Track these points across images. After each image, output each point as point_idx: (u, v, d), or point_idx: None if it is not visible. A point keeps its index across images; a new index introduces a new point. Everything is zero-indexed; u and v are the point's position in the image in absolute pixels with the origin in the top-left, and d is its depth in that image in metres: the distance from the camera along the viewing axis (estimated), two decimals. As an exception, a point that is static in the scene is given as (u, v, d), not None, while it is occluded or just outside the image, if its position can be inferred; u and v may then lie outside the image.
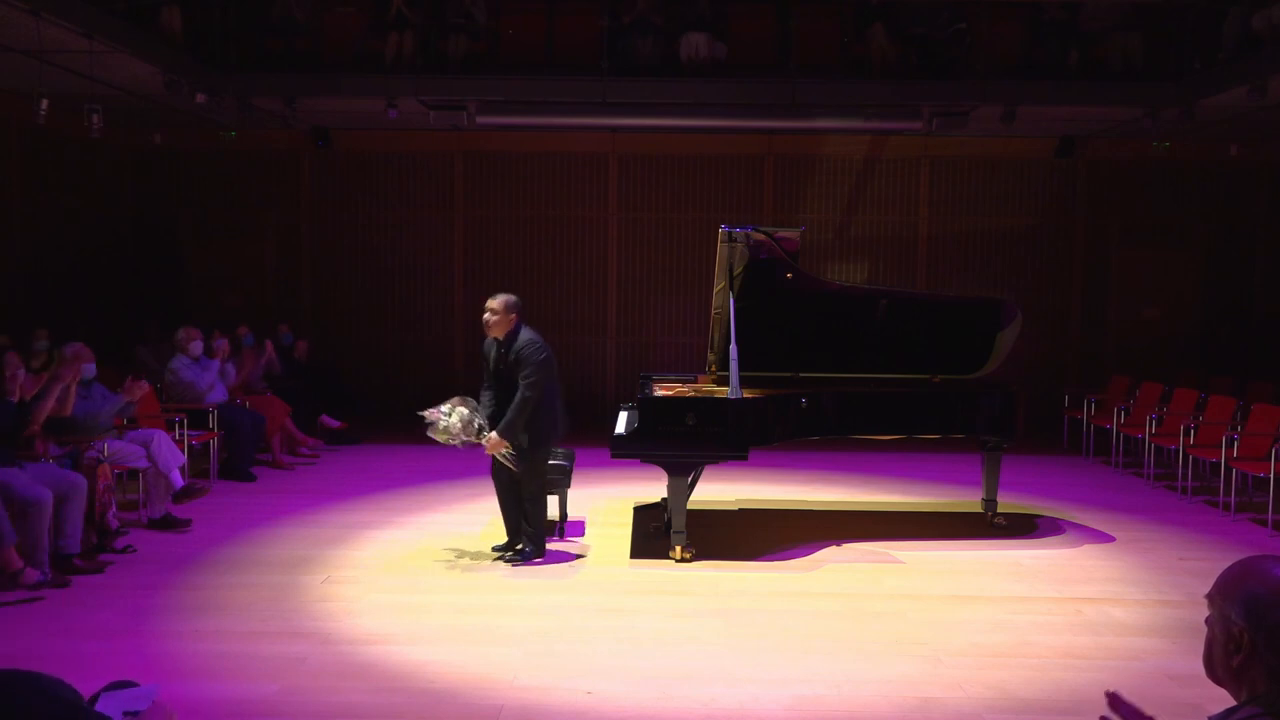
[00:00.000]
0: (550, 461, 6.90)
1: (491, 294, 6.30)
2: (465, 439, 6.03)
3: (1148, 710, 2.03)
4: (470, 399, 6.17)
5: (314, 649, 4.91)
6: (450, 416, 6.02)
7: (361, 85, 10.14)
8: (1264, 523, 7.48)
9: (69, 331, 8.30)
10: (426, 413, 6.08)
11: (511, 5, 10.84)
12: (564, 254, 12.45)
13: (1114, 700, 2.05)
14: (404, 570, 6.22)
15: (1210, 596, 1.82)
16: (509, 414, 6.07)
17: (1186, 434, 8.45)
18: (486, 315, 6.23)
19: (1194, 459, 8.43)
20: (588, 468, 8.16)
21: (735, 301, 6.59)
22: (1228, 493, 7.88)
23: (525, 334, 6.21)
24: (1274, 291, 12.39)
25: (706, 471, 7.03)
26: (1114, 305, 12.58)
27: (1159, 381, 9.76)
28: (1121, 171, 12.37)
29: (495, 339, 6.26)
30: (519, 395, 6.06)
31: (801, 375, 7.42)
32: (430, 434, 6.08)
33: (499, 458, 6.14)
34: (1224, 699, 1.81)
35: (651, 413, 6.41)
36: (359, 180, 12.39)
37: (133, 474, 7.25)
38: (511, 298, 6.24)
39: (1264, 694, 1.71)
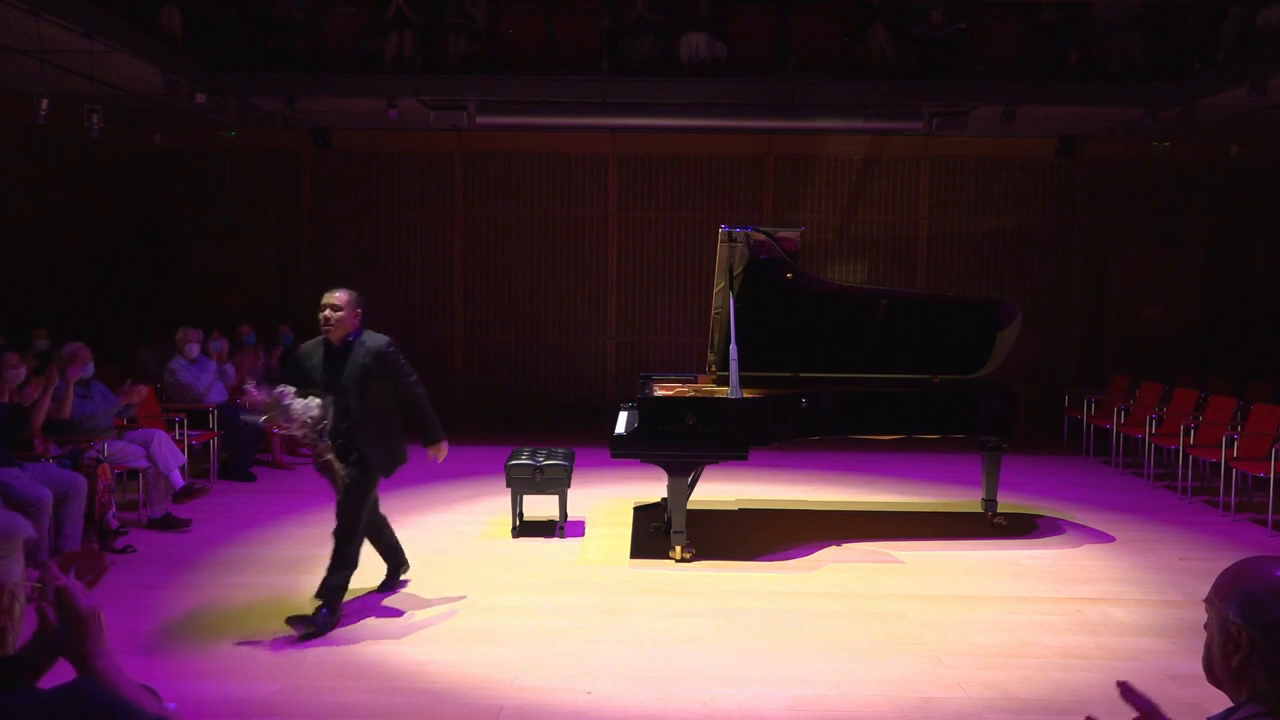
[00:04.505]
0: (550, 461, 6.92)
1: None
2: (305, 431, 5.09)
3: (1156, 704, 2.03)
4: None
5: (314, 649, 4.91)
6: (307, 401, 5.10)
7: (361, 85, 10.13)
8: (1264, 523, 7.48)
9: (69, 331, 8.29)
10: (277, 394, 5.09)
11: (511, 5, 10.84)
12: (564, 254, 12.44)
13: (1126, 690, 2.04)
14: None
15: (1208, 599, 1.82)
16: (425, 417, 5.38)
17: (1186, 434, 8.45)
18: (327, 313, 5.22)
19: (1194, 459, 8.43)
20: (588, 468, 8.17)
21: (735, 301, 6.59)
22: (1228, 493, 7.88)
23: (376, 335, 5.35)
24: (1274, 291, 12.39)
25: (706, 471, 7.03)
26: (1114, 305, 12.58)
27: (1159, 381, 9.76)
28: (1121, 171, 12.37)
29: (326, 340, 5.30)
30: (413, 397, 5.37)
31: (802, 375, 7.42)
32: (268, 414, 5.13)
33: (330, 462, 5.16)
34: (1225, 699, 1.81)
35: (651, 413, 6.41)
36: (359, 180, 12.39)
37: (133, 474, 7.26)
38: (354, 292, 5.35)
39: (1264, 692, 1.71)
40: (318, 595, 5.15)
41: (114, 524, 6.51)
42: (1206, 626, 1.83)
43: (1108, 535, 7.23)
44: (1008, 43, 10.64)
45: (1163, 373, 10.62)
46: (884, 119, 10.68)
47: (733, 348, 6.38)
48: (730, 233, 6.60)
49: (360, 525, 5.31)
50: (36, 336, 8.74)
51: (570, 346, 12.49)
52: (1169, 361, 11.95)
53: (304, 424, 5.05)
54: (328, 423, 5.10)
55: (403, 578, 5.91)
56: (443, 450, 5.47)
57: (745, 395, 6.40)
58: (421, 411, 5.39)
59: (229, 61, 10.01)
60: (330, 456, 5.14)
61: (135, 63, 8.58)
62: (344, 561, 5.22)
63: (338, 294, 5.27)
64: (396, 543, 5.87)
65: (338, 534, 5.24)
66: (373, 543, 5.67)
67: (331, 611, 5.15)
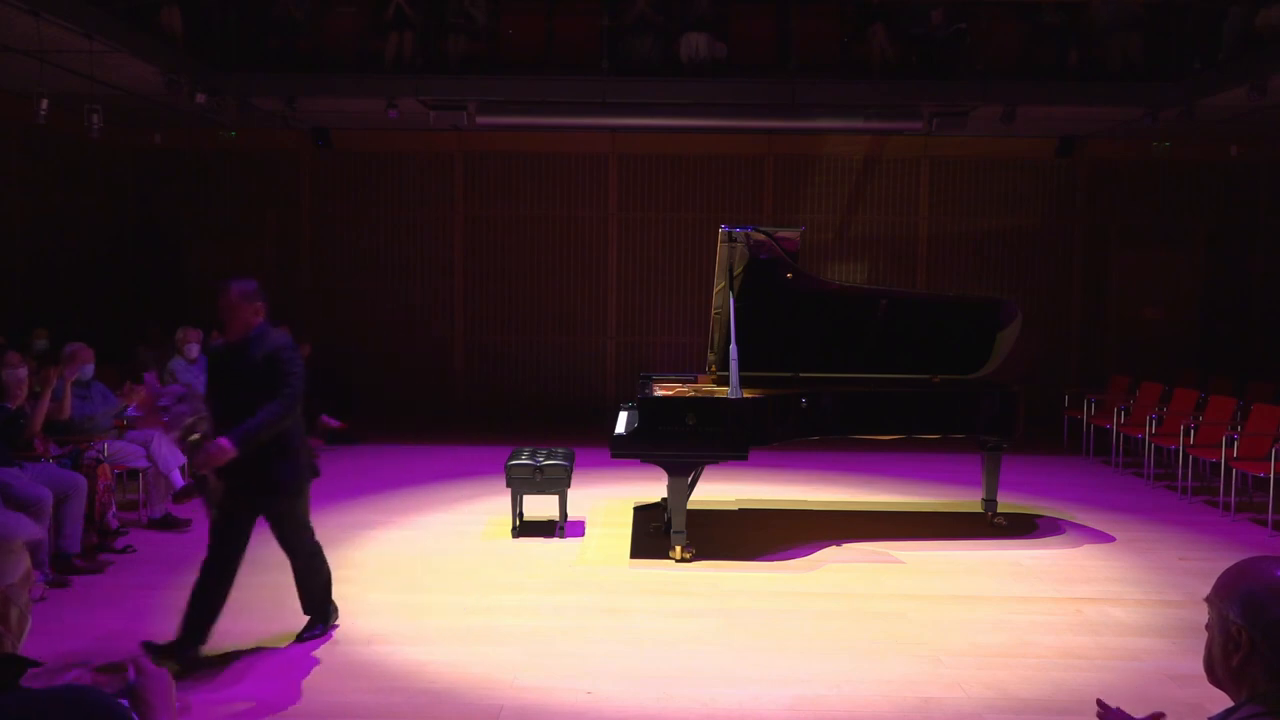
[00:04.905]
0: (550, 461, 6.91)
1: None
2: (182, 437, 4.79)
3: (1138, 714, 2.04)
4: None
5: (314, 649, 4.91)
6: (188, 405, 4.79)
7: (361, 85, 10.13)
8: (1264, 523, 7.48)
9: (69, 331, 8.29)
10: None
11: (511, 5, 10.84)
12: (564, 254, 12.44)
13: (1103, 708, 2.06)
14: (404, 570, 6.22)
15: (1209, 599, 1.83)
16: (257, 424, 4.50)
17: (1186, 434, 8.45)
18: (223, 314, 4.71)
19: (1194, 459, 8.43)
20: (588, 468, 8.16)
21: (735, 301, 6.59)
22: (1228, 493, 7.88)
23: (278, 335, 4.77)
24: (1274, 291, 12.39)
25: (706, 471, 7.03)
26: (1114, 305, 12.58)
27: (1159, 381, 9.76)
28: (1121, 171, 12.37)
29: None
30: (275, 402, 4.55)
31: (802, 375, 7.41)
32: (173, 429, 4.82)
33: (205, 478, 4.64)
34: (1225, 699, 1.81)
35: (651, 413, 6.41)
36: (359, 180, 12.39)
37: (133, 474, 7.26)
38: (250, 284, 4.71)
39: (1264, 692, 1.71)
40: (308, 616, 5.09)
41: (114, 524, 6.51)
42: (1207, 626, 1.83)
43: (1108, 535, 7.23)
44: (1008, 43, 10.64)
45: (1163, 373, 10.61)
46: (884, 119, 10.68)
47: (733, 348, 6.38)
48: (730, 233, 6.60)
49: (311, 535, 4.98)
50: (36, 336, 8.75)
51: (570, 346, 12.49)
52: (1169, 361, 11.95)
53: (177, 428, 4.61)
54: (201, 434, 4.63)
55: (201, 652, 4.77)
56: (220, 455, 4.47)
57: (745, 395, 6.40)
58: (262, 419, 4.51)
59: (229, 61, 10.01)
60: (205, 472, 4.57)
61: (135, 63, 8.59)
62: (313, 574, 5.04)
63: (231, 286, 4.66)
64: (218, 605, 4.81)
65: (293, 560, 4.96)
66: (196, 593, 4.78)
67: (325, 621, 5.12)
